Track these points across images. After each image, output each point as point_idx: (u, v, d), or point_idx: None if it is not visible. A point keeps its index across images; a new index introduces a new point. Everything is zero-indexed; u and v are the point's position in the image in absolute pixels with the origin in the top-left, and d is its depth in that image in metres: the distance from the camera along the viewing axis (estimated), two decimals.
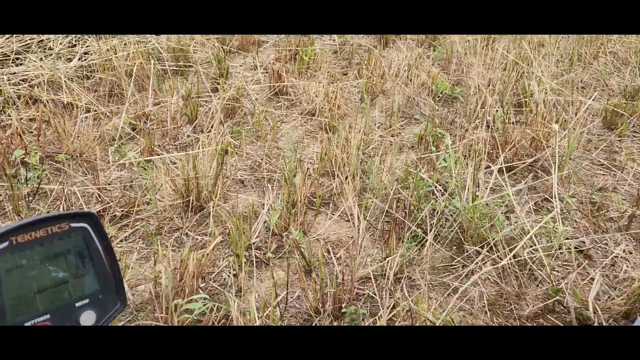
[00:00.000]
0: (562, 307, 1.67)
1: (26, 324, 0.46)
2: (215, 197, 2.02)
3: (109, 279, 0.52)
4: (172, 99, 2.72)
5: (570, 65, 3.37)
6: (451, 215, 1.95)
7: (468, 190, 1.95)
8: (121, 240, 1.87)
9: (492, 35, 3.79)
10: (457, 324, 1.59)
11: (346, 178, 2.17)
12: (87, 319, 0.50)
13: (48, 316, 0.48)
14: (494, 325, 1.39)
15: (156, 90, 2.85)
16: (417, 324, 1.49)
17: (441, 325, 1.37)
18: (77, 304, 0.50)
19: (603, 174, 2.41)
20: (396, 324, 1.51)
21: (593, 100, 2.88)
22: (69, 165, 2.23)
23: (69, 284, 0.49)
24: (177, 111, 2.67)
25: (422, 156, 2.31)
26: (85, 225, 0.51)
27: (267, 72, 3.20)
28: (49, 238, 0.48)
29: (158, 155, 2.32)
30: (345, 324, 1.59)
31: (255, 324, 1.42)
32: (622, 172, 2.37)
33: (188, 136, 2.53)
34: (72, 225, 0.50)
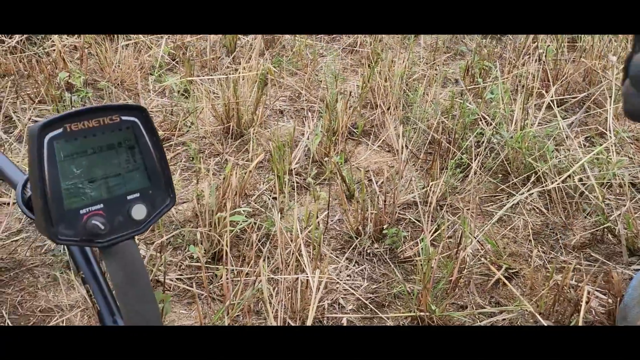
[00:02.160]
0: (611, 237, 1.61)
1: (81, 212, 0.47)
2: (256, 124, 2.00)
3: (158, 175, 0.51)
4: None
5: None
6: (498, 144, 1.88)
7: (516, 121, 1.87)
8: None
9: None
10: (501, 248, 1.55)
11: (388, 109, 2.11)
12: (138, 212, 0.50)
13: (101, 205, 0.48)
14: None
15: None
16: (462, 242, 1.46)
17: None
18: (128, 197, 0.50)
19: None
20: (440, 246, 1.49)
21: None
22: (111, 91, 2.24)
23: (121, 176, 0.49)
24: (215, 42, 2.63)
25: (468, 88, 2.22)
26: (135, 119, 0.50)
27: None
28: (101, 129, 0.48)
29: (200, 78, 2.31)
30: (386, 246, 1.58)
31: (299, 241, 1.42)
32: None
33: (227, 67, 2.50)
34: (123, 118, 0.49)
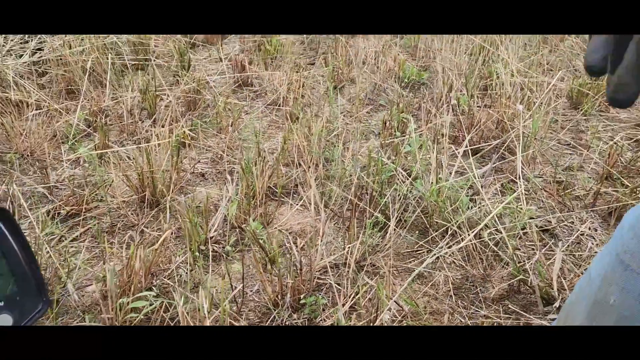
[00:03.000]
0: (527, 287, 1.63)
1: None
2: (171, 191, 1.94)
3: (27, 280, 0.48)
4: (131, 93, 2.63)
5: (537, 47, 3.35)
6: (414, 199, 1.90)
7: (433, 174, 1.90)
8: (71, 240, 1.78)
9: None
10: (421, 309, 1.54)
11: (309, 167, 2.11)
12: (3, 321, 0.45)
13: None
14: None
15: (114, 85, 2.76)
16: (380, 311, 1.44)
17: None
18: None
19: (570, 153, 2.38)
20: (358, 312, 1.46)
21: (559, 80, 2.85)
22: (19, 164, 2.13)
23: None
24: (135, 105, 2.58)
25: (386, 142, 2.26)
26: None
27: (232, 64, 3.12)
28: None
29: (114, 149, 2.23)
30: (305, 316, 1.53)
31: (205, 323, 1.36)
32: (587, 151, 2.34)
33: (146, 131, 2.44)
34: None
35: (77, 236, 1.81)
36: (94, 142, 2.33)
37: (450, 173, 1.98)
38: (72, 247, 1.77)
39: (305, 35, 3.63)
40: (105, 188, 1.93)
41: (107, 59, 2.80)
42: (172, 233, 1.81)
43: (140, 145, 2.13)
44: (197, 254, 1.65)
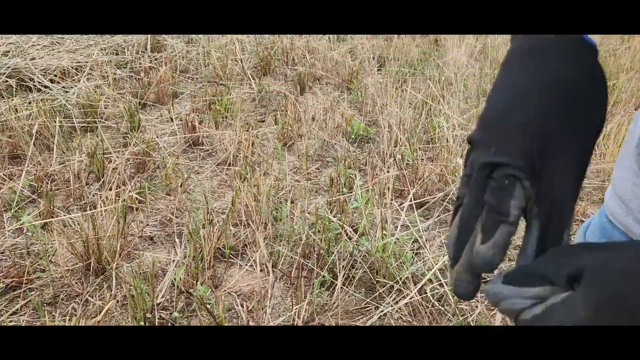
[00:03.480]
0: None
1: None
2: (118, 257, 1.92)
3: None
4: (79, 156, 2.62)
5: (477, 100, 3.54)
6: (361, 256, 1.94)
7: (378, 229, 1.96)
8: (11, 314, 1.72)
9: (403, 77, 3.94)
10: None
11: (258, 227, 2.13)
12: None
13: None
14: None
15: (62, 149, 2.74)
16: None
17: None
18: None
19: None
20: None
21: None
22: None
23: None
24: (83, 169, 2.56)
25: (333, 198, 2.31)
26: None
27: (182, 124, 3.15)
28: None
29: (58, 217, 2.20)
30: None
31: None
32: None
33: (94, 195, 2.42)
34: None
35: (17, 309, 1.75)
36: (38, 208, 2.29)
37: (396, 227, 2.04)
38: (11, 321, 1.71)
39: (256, 92, 3.73)
40: (48, 257, 1.89)
41: (55, 122, 2.79)
42: (117, 302, 1.78)
43: (86, 212, 2.11)
44: (142, 322, 1.62)
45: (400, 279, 1.80)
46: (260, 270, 2.00)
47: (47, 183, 2.47)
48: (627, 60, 4.52)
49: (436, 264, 1.80)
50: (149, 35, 4.39)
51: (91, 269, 1.92)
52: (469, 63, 4.43)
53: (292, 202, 2.27)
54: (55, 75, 3.59)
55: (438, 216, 2.28)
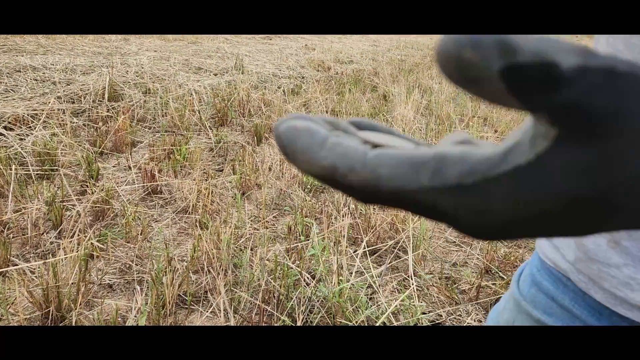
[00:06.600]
0: None
1: None
2: (78, 306, 1.93)
3: None
4: (35, 204, 2.62)
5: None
6: (319, 301, 2.04)
7: (334, 275, 2.07)
8: None
9: None
10: None
11: (218, 274, 2.19)
12: None
13: None
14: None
15: (17, 197, 2.72)
16: None
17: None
18: None
19: (456, 251, 2.67)
20: None
21: None
22: None
23: None
24: (39, 217, 2.56)
25: (291, 246, 2.42)
26: None
27: (141, 172, 3.20)
28: None
29: (14, 265, 2.18)
30: None
31: None
32: (470, 248, 2.65)
33: (51, 243, 2.42)
34: None
35: None
36: None
37: (351, 273, 2.16)
38: None
39: (214, 143, 3.83)
40: (7, 306, 1.87)
41: (10, 169, 2.78)
42: None
43: (46, 261, 2.12)
44: None
45: (356, 322, 1.90)
46: (220, 317, 2.06)
47: (2, 231, 2.45)
48: None
49: (389, 308, 1.92)
50: (106, 85, 4.45)
51: (50, 317, 1.92)
52: (416, 118, 4.73)
53: (251, 250, 2.35)
54: (10, 122, 3.57)
55: (390, 262, 2.42)
